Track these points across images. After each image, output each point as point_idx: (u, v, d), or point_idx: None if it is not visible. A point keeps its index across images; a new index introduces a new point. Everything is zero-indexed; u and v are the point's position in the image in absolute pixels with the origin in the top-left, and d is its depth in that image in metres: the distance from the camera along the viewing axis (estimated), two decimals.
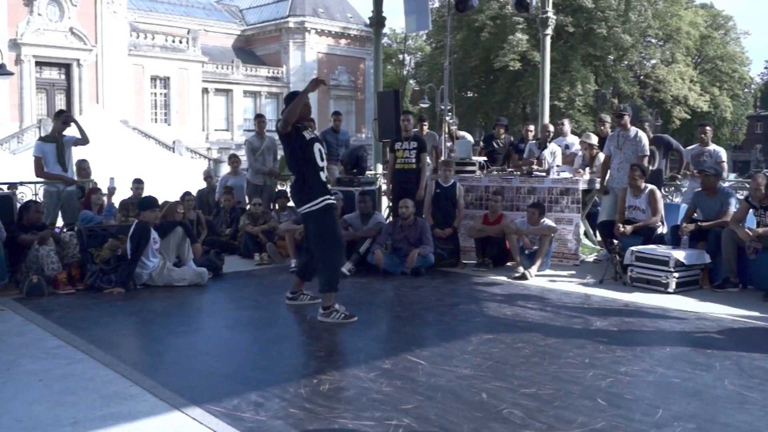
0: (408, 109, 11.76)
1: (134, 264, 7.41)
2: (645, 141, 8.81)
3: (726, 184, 8.72)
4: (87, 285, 7.34)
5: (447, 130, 11.14)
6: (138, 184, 10.44)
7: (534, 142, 10.55)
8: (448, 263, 8.80)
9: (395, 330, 6.05)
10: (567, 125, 11.10)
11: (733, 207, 7.70)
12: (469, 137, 11.85)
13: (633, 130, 8.87)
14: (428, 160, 9.88)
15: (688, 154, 9.25)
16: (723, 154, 9.02)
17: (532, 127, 11.38)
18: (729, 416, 3.86)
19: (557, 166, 9.74)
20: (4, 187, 9.65)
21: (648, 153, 8.84)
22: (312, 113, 6.75)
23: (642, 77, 48.15)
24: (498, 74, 43.70)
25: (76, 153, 9.49)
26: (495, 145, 11.19)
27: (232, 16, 51.44)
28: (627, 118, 8.85)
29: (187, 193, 10.09)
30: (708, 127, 9.26)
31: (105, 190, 10.09)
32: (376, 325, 6.06)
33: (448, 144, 10.97)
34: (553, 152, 10.05)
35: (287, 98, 6.23)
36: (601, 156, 9.41)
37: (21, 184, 9.99)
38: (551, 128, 10.78)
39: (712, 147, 9.05)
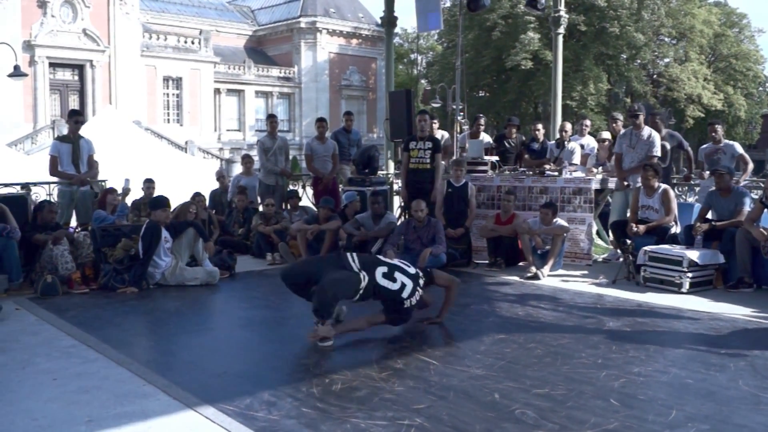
0: (424, 109, 11.76)
1: (146, 263, 7.45)
2: (658, 142, 8.73)
3: (742, 183, 8.64)
4: (101, 284, 7.38)
5: (459, 129, 11.14)
6: (149, 183, 10.50)
7: (553, 142, 10.51)
8: (459, 263, 8.79)
9: (407, 330, 6.03)
10: (587, 126, 11.03)
11: (747, 206, 7.65)
12: (488, 137, 11.83)
13: (647, 130, 8.77)
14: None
15: (702, 153, 9.20)
16: (738, 147, 8.97)
17: (540, 126, 11.33)
18: (743, 417, 3.83)
19: (575, 164, 9.71)
20: (19, 188, 9.72)
21: (659, 154, 8.77)
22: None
23: (655, 76, 47.94)
24: (510, 73, 43.63)
25: None
26: (506, 144, 11.16)
27: (244, 16, 51.57)
28: (642, 118, 8.76)
29: (198, 194, 10.12)
30: (718, 125, 9.21)
31: (120, 191, 10.15)
32: (387, 325, 6.05)
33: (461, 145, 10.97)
34: (572, 150, 10.01)
35: None
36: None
37: (35, 184, 10.06)
38: (568, 127, 10.68)
39: (725, 143, 8.99)
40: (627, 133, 8.95)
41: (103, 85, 36.77)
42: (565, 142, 10.25)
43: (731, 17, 52.11)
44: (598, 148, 10.38)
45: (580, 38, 42.48)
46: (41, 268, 7.32)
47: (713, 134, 9.05)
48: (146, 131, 31.83)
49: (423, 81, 54.61)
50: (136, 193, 10.67)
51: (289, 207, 10.30)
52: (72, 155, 8.88)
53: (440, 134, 11.01)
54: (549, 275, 8.08)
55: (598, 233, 9.83)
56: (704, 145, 9.44)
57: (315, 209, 10.11)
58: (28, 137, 31.58)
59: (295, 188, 11.99)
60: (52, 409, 3.96)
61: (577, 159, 9.95)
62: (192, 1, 48.72)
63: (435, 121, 11.09)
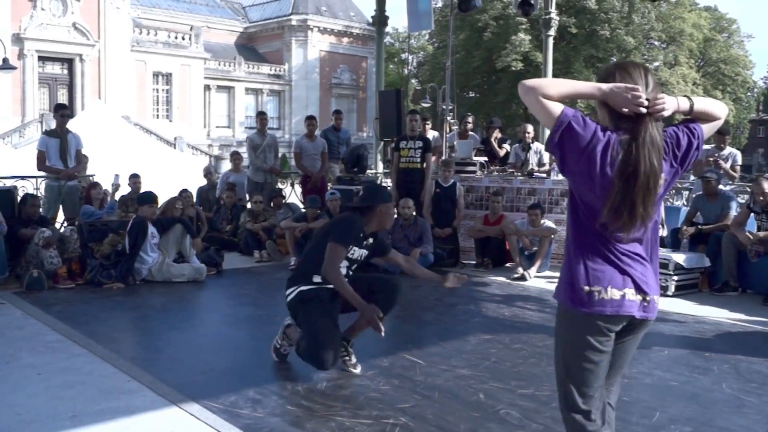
0: (414, 109, 11.75)
1: (133, 259, 7.42)
2: None
3: (728, 188, 8.68)
4: (87, 280, 7.34)
5: (448, 129, 11.15)
6: (135, 178, 10.44)
7: (518, 145, 10.49)
8: (447, 263, 8.80)
9: (393, 329, 6.02)
10: None
11: (733, 211, 7.70)
12: (477, 137, 11.83)
13: None
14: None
15: (702, 155, 9.26)
16: (739, 157, 9.04)
17: (530, 129, 11.34)
18: (726, 420, 3.86)
19: (545, 163, 9.75)
20: (6, 181, 9.66)
21: None
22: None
23: None
24: (500, 75, 43.66)
25: None
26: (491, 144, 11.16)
27: (235, 13, 51.41)
28: None
29: (185, 190, 10.08)
30: (727, 135, 9.31)
31: (110, 187, 10.10)
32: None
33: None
34: (537, 151, 10.05)
35: None
36: None
37: (22, 178, 10.00)
38: (530, 129, 10.62)
39: (728, 150, 8.98)
40: None
41: (92, 80, 36.55)
42: (530, 144, 10.22)
43: (721, 22, 52.42)
44: None
45: (571, 40, 42.60)
46: (27, 263, 7.28)
47: (721, 144, 9.01)
48: (135, 126, 31.71)
49: (413, 81, 54.54)
50: (125, 189, 10.63)
51: (272, 205, 10.26)
52: (60, 150, 8.82)
53: (431, 134, 11.02)
54: (536, 276, 8.11)
55: None
56: (706, 146, 9.43)
57: (301, 207, 10.10)
58: (16, 131, 31.37)
59: (283, 186, 11.96)
60: (36, 404, 3.94)
61: (545, 158, 10.00)
62: None
63: (428, 121, 11.10)
